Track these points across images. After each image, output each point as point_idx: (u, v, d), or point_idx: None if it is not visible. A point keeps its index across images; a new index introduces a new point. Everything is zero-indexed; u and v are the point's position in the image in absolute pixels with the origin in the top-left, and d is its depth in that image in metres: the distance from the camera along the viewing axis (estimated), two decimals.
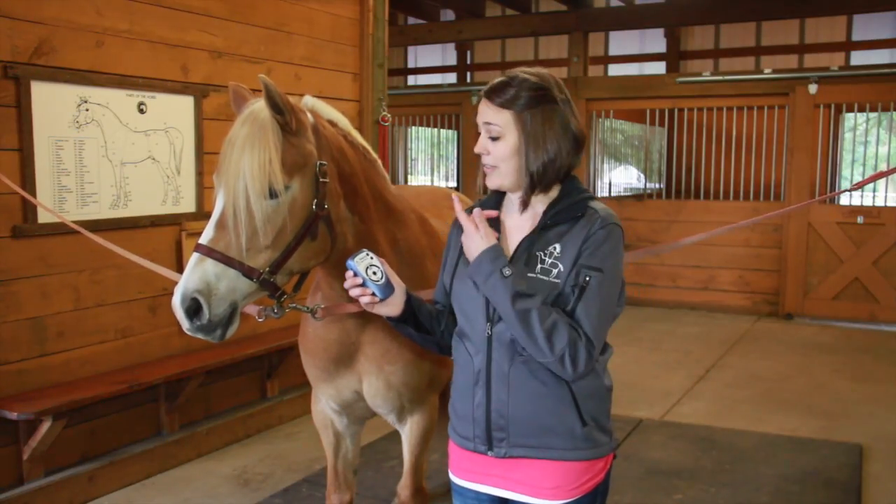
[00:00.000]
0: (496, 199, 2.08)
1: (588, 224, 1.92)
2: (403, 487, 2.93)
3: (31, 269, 3.86)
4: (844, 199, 9.27)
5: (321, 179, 2.21)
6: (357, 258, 1.99)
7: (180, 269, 4.52)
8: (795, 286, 8.67)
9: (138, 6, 4.27)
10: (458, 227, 2.10)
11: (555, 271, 1.89)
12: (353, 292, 2.02)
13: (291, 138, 2.16)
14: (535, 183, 1.96)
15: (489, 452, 1.97)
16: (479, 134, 2.02)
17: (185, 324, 2.06)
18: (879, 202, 8.97)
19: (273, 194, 2.08)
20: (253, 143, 2.08)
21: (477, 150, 2.00)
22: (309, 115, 2.30)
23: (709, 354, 7.13)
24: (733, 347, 7.44)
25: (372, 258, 2.00)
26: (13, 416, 3.61)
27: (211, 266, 2.06)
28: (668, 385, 6.11)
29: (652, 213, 9.41)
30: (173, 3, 4.45)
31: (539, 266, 1.91)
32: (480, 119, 2.00)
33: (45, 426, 3.73)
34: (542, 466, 1.95)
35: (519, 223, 2.02)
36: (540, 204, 2.00)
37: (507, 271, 1.86)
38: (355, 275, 1.99)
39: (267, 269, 2.11)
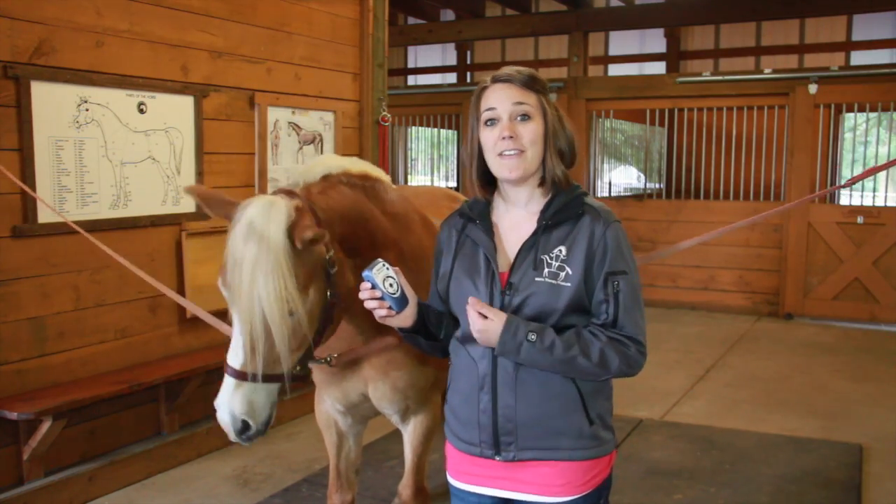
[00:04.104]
0: (485, 201, 2.04)
1: (591, 225, 1.90)
2: (405, 487, 2.92)
3: (31, 269, 3.86)
4: (844, 199, 9.27)
5: (331, 271, 2.20)
6: (374, 269, 1.89)
7: (180, 270, 4.55)
8: (795, 286, 8.66)
9: (138, 6, 4.27)
10: (446, 231, 2.08)
11: (562, 274, 1.88)
12: (370, 304, 1.93)
13: (301, 252, 2.09)
14: (553, 173, 1.93)
15: (497, 457, 1.94)
16: (485, 124, 1.93)
17: (233, 438, 2.18)
18: (879, 202, 8.96)
19: (292, 313, 2.08)
20: (265, 269, 2.01)
21: (505, 133, 1.89)
22: (309, 211, 2.18)
23: (709, 354, 7.13)
24: (733, 347, 7.44)
25: (388, 269, 1.91)
26: (13, 416, 3.61)
27: (248, 387, 2.13)
28: (668, 385, 6.11)
29: (652, 213, 9.40)
30: (173, 3, 4.45)
31: (546, 270, 1.88)
32: (501, 102, 1.91)
33: (45, 426, 3.73)
34: (550, 466, 1.93)
35: (515, 222, 1.99)
36: (535, 202, 1.98)
37: (532, 336, 1.83)
38: (372, 287, 1.90)
39: (298, 367, 2.22)
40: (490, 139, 1.93)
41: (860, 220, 8.29)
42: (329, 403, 2.83)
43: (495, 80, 1.94)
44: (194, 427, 4.66)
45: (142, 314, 4.41)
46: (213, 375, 4.72)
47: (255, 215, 2.07)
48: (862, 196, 8.88)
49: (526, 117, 1.91)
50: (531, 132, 1.91)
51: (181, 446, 4.52)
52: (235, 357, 2.13)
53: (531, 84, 1.93)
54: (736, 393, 5.98)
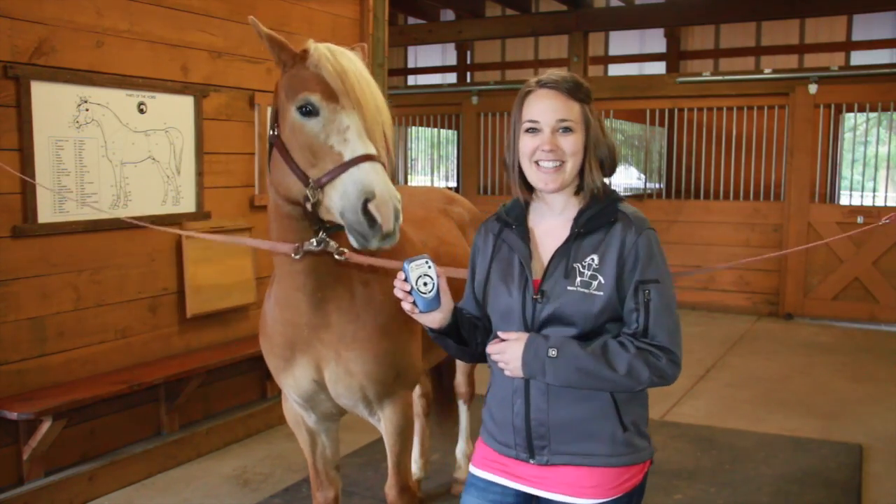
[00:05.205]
0: (522, 205, 2.03)
1: (623, 232, 1.89)
2: (390, 487, 2.93)
3: (31, 269, 3.86)
4: (844, 199, 9.27)
5: None
6: (414, 263, 1.87)
7: (180, 270, 4.54)
8: (795, 286, 8.67)
9: (138, 6, 4.27)
10: (482, 234, 2.07)
11: (594, 283, 1.87)
12: (398, 294, 1.91)
13: None
14: (591, 184, 1.92)
15: (531, 460, 1.95)
16: (525, 131, 1.94)
17: (390, 226, 2.16)
18: (879, 202, 8.96)
19: None
20: (367, 73, 2.40)
21: (545, 146, 1.88)
22: None
23: (709, 354, 7.14)
24: (733, 347, 7.44)
25: (430, 267, 1.88)
26: (13, 416, 3.61)
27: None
28: (668, 385, 6.10)
29: (652, 213, 9.38)
30: (173, 3, 4.45)
31: (578, 279, 1.87)
32: (544, 114, 1.90)
33: (45, 426, 3.73)
34: (582, 469, 1.94)
35: (550, 228, 1.98)
36: (571, 209, 1.97)
37: (552, 352, 1.83)
38: (406, 279, 1.88)
39: None
40: (529, 147, 1.92)
41: (860, 220, 8.29)
42: (291, 399, 2.81)
43: (541, 85, 1.92)
44: (194, 427, 4.66)
45: (142, 314, 4.41)
46: (213, 375, 4.73)
47: (333, 47, 2.40)
48: (862, 196, 8.88)
49: (568, 130, 1.90)
50: (572, 144, 1.90)
51: (181, 446, 4.52)
52: (366, 146, 2.24)
53: (575, 93, 1.91)
54: (736, 393, 5.98)
